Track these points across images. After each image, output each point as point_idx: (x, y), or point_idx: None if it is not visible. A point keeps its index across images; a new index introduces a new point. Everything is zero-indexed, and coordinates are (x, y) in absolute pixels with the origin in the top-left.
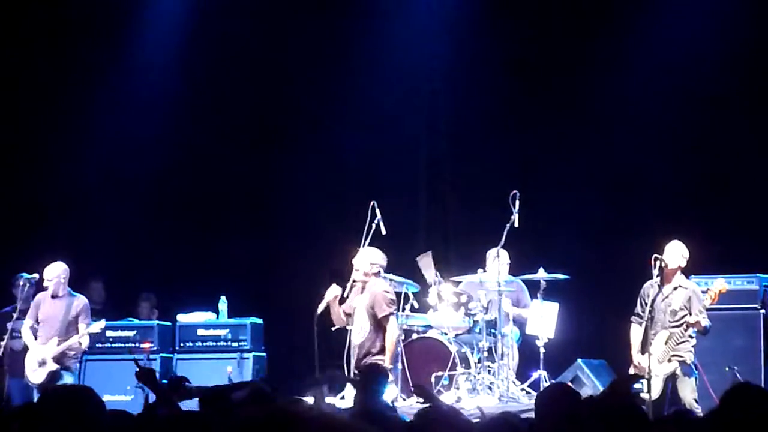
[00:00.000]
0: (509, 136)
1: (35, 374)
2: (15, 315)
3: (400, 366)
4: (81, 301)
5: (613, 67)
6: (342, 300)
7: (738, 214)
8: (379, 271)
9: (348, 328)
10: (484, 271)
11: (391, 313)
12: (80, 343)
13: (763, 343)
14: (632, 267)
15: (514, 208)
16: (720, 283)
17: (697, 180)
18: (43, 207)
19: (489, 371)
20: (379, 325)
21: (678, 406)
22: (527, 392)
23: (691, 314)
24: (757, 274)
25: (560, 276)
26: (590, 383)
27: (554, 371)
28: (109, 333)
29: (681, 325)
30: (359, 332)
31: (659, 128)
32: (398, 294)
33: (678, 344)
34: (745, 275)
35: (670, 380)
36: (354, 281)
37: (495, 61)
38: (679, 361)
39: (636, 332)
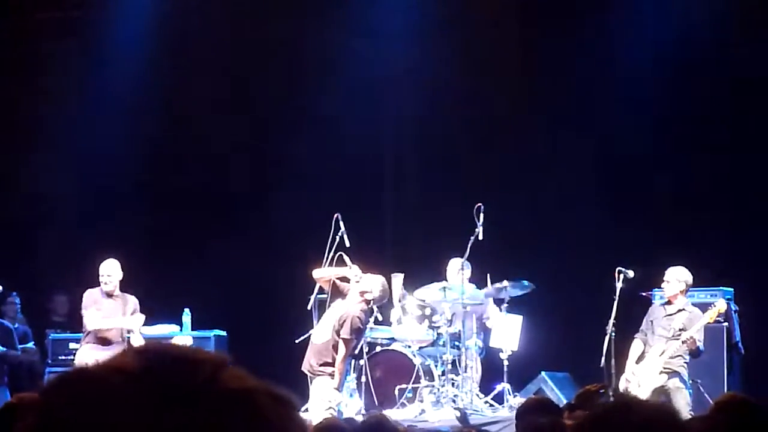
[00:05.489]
0: (473, 147)
1: None
2: None
3: (363, 379)
4: (134, 299)
5: (574, 73)
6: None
7: (702, 228)
8: (371, 301)
9: (324, 291)
10: (446, 281)
11: (351, 340)
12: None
13: (726, 355)
14: (596, 280)
15: (479, 221)
16: (721, 303)
17: (661, 193)
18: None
19: (453, 384)
20: (337, 340)
21: None
22: (491, 405)
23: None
24: (721, 288)
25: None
26: (554, 396)
27: (518, 384)
28: (72, 345)
29: (678, 340)
30: (321, 334)
31: (624, 141)
32: None
33: (671, 358)
34: (709, 288)
35: (662, 393)
36: (356, 277)
37: (460, 73)
38: (669, 374)
39: (636, 347)
